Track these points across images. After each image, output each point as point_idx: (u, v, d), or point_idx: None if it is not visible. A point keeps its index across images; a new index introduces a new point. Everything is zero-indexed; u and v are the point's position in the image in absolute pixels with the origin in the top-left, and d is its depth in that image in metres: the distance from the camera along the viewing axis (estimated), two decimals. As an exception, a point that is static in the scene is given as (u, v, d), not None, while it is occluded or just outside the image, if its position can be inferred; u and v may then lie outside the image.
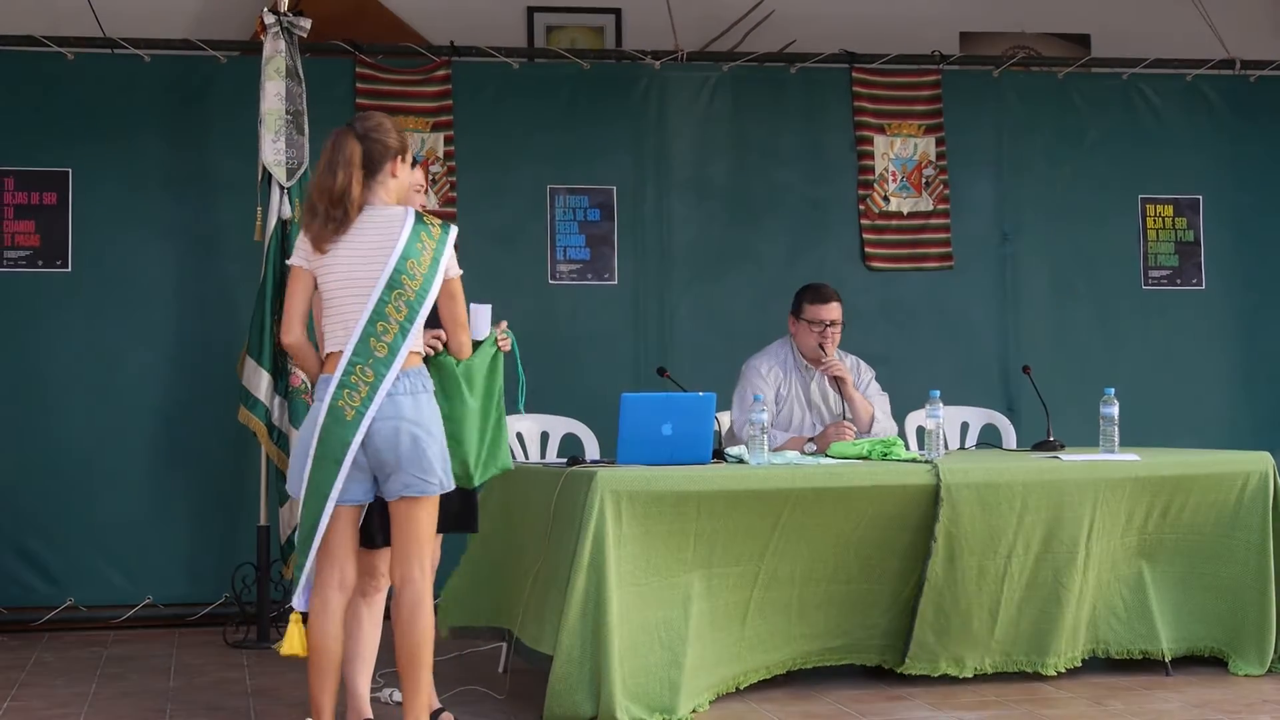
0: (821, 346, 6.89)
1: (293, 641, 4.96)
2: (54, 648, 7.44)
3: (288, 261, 5.14)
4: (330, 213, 4.88)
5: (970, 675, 6.10)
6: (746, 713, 5.74)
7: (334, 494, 4.83)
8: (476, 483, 5.25)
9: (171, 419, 8.09)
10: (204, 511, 8.05)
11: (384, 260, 4.87)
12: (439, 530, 5.21)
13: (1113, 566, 6.30)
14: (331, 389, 4.83)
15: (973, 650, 6.11)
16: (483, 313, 5.33)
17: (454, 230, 5.03)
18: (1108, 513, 6.20)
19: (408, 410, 4.86)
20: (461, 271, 5.05)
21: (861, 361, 7.12)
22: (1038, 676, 6.16)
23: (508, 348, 5.39)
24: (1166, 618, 6.40)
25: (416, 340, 4.92)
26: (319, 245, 4.90)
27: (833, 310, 6.92)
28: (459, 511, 5.39)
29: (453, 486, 4.99)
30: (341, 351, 4.87)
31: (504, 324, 5.43)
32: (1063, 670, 6.18)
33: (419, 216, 4.97)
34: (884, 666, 6.15)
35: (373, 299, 4.86)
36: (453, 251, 4.99)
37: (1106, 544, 6.23)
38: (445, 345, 5.17)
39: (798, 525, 5.83)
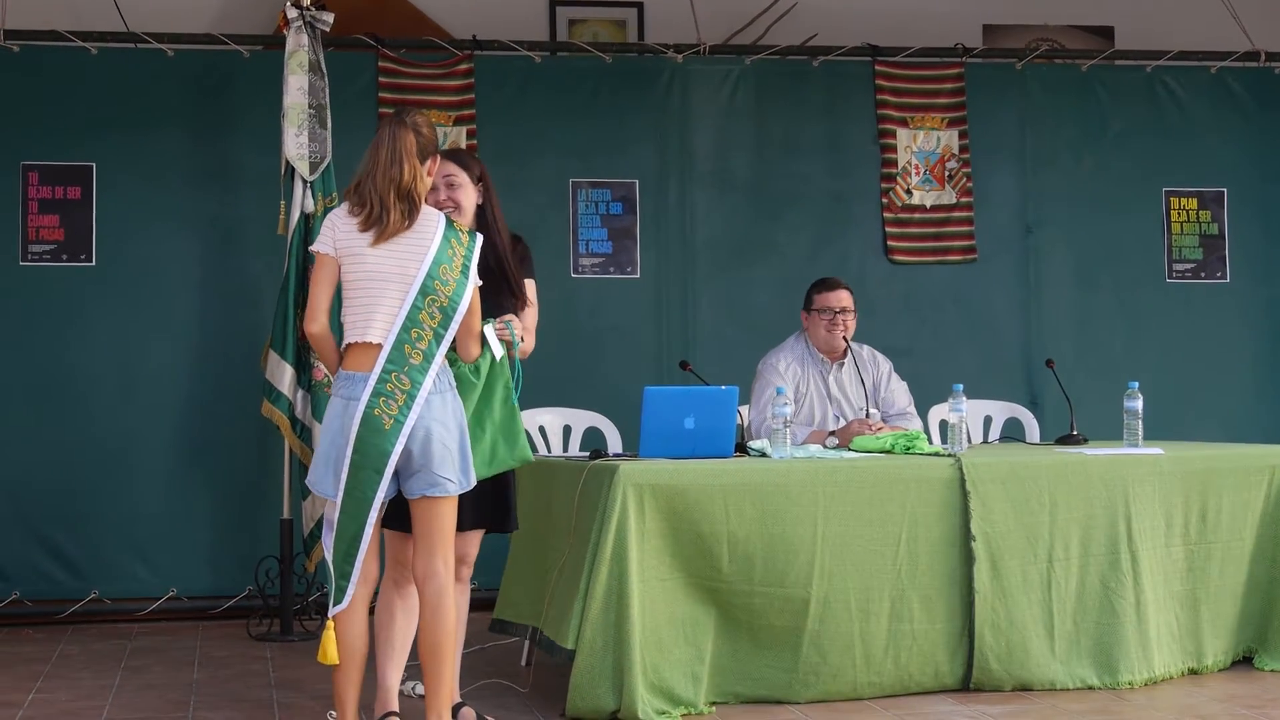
0: (832, 333, 6.87)
1: (328, 650, 4.93)
2: (78, 640, 7.47)
3: (312, 248, 5.11)
4: (397, 205, 4.88)
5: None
6: (779, 710, 5.73)
7: (377, 502, 4.84)
8: (485, 475, 5.23)
9: (195, 412, 8.10)
10: (227, 505, 8.07)
11: (417, 263, 4.88)
12: (477, 528, 5.30)
13: (1165, 582, 6.24)
14: (366, 396, 4.82)
15: (1038, 674, 6.00)
16: (490, 333, 5.27)
17: (480, 239, 5.06)
18: (1142, 512, 6.15)
19: (436, 409, 4.88)
20: (481, 282, 5.06)
21: (878, 353, 7.11)
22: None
23: (508, 337, 5.33)
24: (1215, 630, 6.35)
25: (448, 346, 4.94)
26: (375, 235, 4.88)
27: (841, 297, 6.92)
28: (492, 510, 5.40)
29: (471, 485, 5.00)
30: (360, 342, 4.88)
31: (503, 319, 5.37)
32: (1137, 686, 6.04)
33: (449, 222, 4.99)
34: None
35: (406, 304, 4.86)
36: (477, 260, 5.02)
37: (1152, 553, 6.18)
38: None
39: (836, 535, 5.79)
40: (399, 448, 4.82)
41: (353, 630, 4.92)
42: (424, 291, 4.87)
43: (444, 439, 4.87)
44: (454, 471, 4.90)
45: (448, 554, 4.95)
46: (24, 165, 8.06)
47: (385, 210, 4.89)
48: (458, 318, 4.91)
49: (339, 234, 4.95)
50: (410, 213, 4.90)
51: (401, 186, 4.89)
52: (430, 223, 4.95)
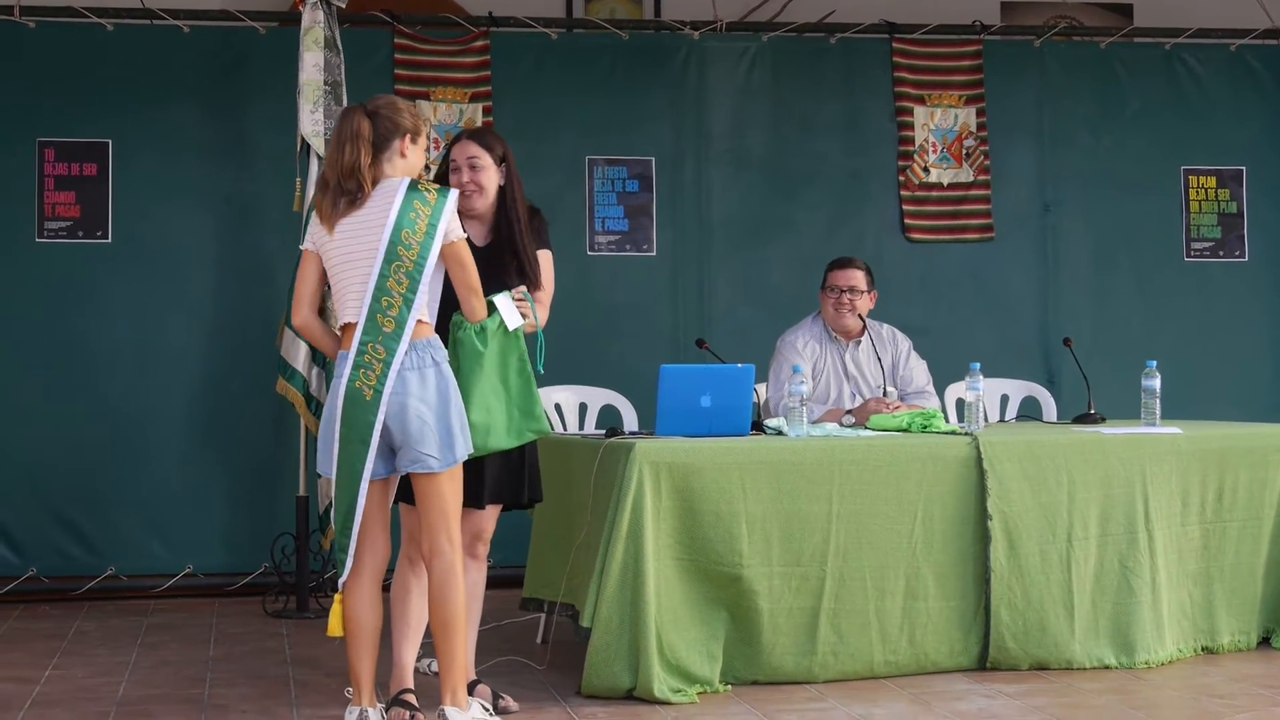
0: (839, 312, 6.86)
1: (333, 623, 4.96)
2: (95, 616, 7.49)
3: (300, 246, 5.19)
4: (343, 185, 4.91)
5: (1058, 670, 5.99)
6: (796, 690, 5.72)
7: (366, 473, 4.84)
8: (506, 446, 5.22)
9: (210, 389, 8.11)
10: (243, 482, 8.08)
11: (378, 234, 4.88)
12: (495, 504, 5.36)
13: (1180, 561, 6.23)
14: (347, 370, 4.85)
15: (1055, 653, 5.99)
16: (504, 302, 5.23)
17: (453, 194, 5.00)
18: (1160, 490, 6.14)
19: (414, 386, 4.85)
20: (466, 235, 5.01)
21: (897, 331, 7.09)
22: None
23: (527, 310, 5.30)
24: (1232, 609, 6.34)
25: (422, 310, 4.90)
26: (328, 221, 4.93)
27: (850, 276, 6.89)
28: (508, 486, 5.41)
29: (456, 462, 4.92)
30: (354, 324, 4.89)
31: (520, 289, 5.36)
32: (1154, 666, 6.04)
33: (413, 184, 4.95)
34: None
35: (374, 275, 4.87)
36: (453, 215, 4.95)
37: (1168, 531, 6.17)
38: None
39: (851, 514, 5.79)
40: (381, 417, 4.82)
41: (359, 605, 4.93)
42: (389, 259, 4.86)
43: (421, 414, 4.84)
44: (435, 447, 4.86)
45: (451, 530, 4.94)
46: (40, 142, 8.06)
47: (334, 196, 4.93)
48: (424, 278, 4.87)
49: (313, 228, 5.03)
50: (356, 193, 4.90)
51: (344, 168, 4.91)
52: (389, 192, 4.92)
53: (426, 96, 8.33)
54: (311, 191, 7.44)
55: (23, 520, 7.94)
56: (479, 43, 8.44)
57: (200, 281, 8.16)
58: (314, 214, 5.03)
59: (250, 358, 8.01)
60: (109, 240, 8.08)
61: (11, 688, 5.87)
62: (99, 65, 8.10)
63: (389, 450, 4.91)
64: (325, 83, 7.52)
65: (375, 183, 4.94)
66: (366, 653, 4.94)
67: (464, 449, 4.94)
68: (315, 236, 5.02)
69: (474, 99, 8.40)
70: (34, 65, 8.05)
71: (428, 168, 5.61)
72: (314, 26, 7.53)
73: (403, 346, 4.84)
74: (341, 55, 7.61)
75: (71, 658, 6.48)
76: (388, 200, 4.90)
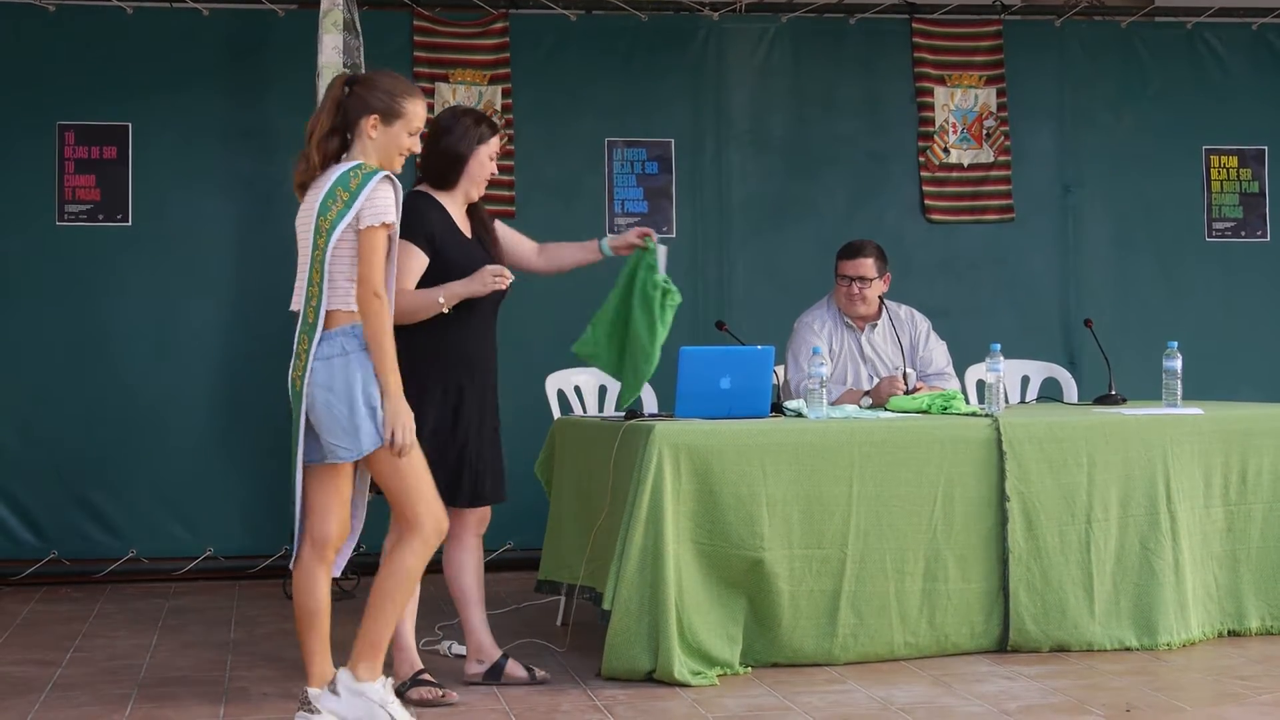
0: (850, 301, 6.84)
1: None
2: (116, 599, 7.51)
3: None
4: (306, 154, 4.87)
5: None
6: (816, 672, 5.72)
7: (298, 459, 4.85)
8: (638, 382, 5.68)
9: (231, 372, 8.13)
10: (263, 465, 8.09)
11: (310, 217, 4.83)
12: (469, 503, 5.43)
13: (1204, 543, 6.20)
14: (291, 362, 4.86)
15: (1075, 635, 5.98)
16: (662, 251, 5.63)
17: (378, 176, 4.78)
18: (1181, 472, 6.12)
19: (321, 376, 4.78)
20: (384, 223, 4.76)
21: (916, 312, 7.07)
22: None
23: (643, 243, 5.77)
24: (1259, 592, 6.31)
25: (338, 298, 4.77)
26: (298, 191, 4.89)
27: (859, 266, 6.84)
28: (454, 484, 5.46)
29: (363, 452, 4.77)
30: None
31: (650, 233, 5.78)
32: (1176, 648, 6.02)
33: (347, 171, 4.80)
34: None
35: (303, 265, 4.83)
36: (378, 201, 4.75)
37: (1190, 513, 6.15)
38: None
39: (872, 496, 5.78)
40: (304, 407, 4.80)
41: (301, 592, 4.93)
42: (314, 246, 4.80)
43: (331, 405, 4.76)
44: (343, 437, 4.77)
45: (402, 510, 4.86)
46: (60, 125, 8.07)
47: (301, 162, 4.89)
48: (325, 269, 4.77)
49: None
50: (307, 169, 4.86)
51: (306, 134, 4.86)
52: (328, 177, 4.82)
53: (445, 79, 8.32)
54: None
55: (44, 503, 7.97)
56: (498, 25, 8.43)
57: (220, 264, 8.17)
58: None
59: (270, 340, 7.97)
60: (129, 224, 8.09)
61: (33, 670, 5.89)
62: (119, 48, 8.11)
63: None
64: (344, 65, 7.51)
65: (330, 159, 4.85)
66: (309, 635, 4.92)
67: (371, 439, 4.77)
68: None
69: (493, 81, 8.39)
70: (54, 48, 8.06)
71: (449, 153, 5.50)
72: (333, 9, 7.52)
73: (317, 336, 4.78)
74: (361, 38, 7.61)
75: (93, 640, 6.50)
76: (325, 182, 4.81)
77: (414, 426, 4.78)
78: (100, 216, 8.07)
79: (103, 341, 8.04)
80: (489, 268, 5.34)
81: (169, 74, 8.13)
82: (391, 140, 4.91)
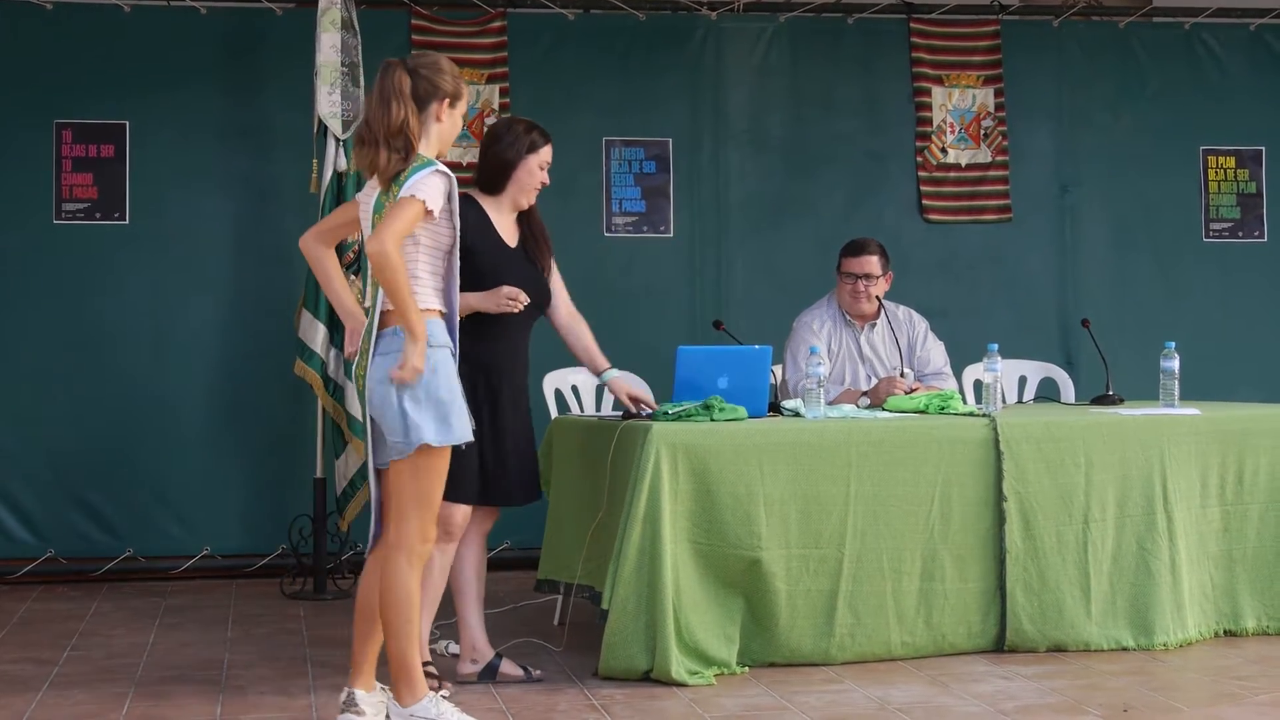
0: (855, 299, 6.84)
1: None
2: (113, 597, 7.51)
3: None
4: (391, 143, 4.72)
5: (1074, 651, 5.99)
6: (813, 672, 5.73)
7: (370, 463, 4.88)
8: None
9: (229, 371, 8.12)
10: (261, 463, 8.09)
11: (368, 217, 4.81)
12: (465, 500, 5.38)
13: (1200, 543, 6.21)
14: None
15: (1072, 635, 5.98)
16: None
17: (429, 168, 4.73)
18: (1178, 472, 6.12)
19: (379, 372, 4.73)
20: (421, 198, 4.67)
21: (914, 312, 7.07)
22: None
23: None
24: (1255, 592, 6.31)
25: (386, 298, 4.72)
26: (378, 177, 4.77)
27: (865, 264, 6.84)
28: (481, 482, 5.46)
29: (410, 449, 4.72)
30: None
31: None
32: (1172, 648, 6.02)
33: (402, 173, 4.73)
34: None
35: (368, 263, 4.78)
36: (421, 182, 4.68)
37: (1187, 513, 6.15)
38: None
39: (869, 495, 5.78)
40: (368, 408, 4.78)
41: (359, 588, 4.94)
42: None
43: (385, 396, 4.70)
44: (398, 433, 4.73)
45: (391, 520, 4.81)
46: (58, 123, 8.06)
47: (386, 153, 4.72)
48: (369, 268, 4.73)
49: (368, 186, 4.89)
50: (405, 152, 4.73)
51: (390, 128, 4.72)
52: (389, 172, 4.76)
53: (443, 77, 8.30)
54: (329, 173, 7.46)
55: (41, 502, 7.96)
56: (496, 24, 8.43)
57: (218, 263, 8.16)
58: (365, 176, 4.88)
59: (268, 339, 8.01)
60: (126, 222, 8.08)
61: (30, 668, 5.89)
62: (116, 46, 8.10)
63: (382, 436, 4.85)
64: (342, 64, 7.52)
65: (396, 154, 4.74)
66: (360, 631, 4.91)
67: (418, 435, 4.72)
68: (365, 193, 4.90)
69: (491, 80, 8.39)
70: (51, 46, 8.05)
71: (499, 160, 5.54)
72: (331, 8, 7.52)
73: (374, 334, 4.77)
74: (359, 36, 7.61)
75: (90, 639, 6.49)
76: (379, 183, 4.79)
77: (423, 380, 4.68)
78: (98, 215, 8.06)
79: (100, 340, 8.03)
80: (504, 289, 5.39)
81: (167, 72, 8.12)
82: (454, 124, 4.91)
